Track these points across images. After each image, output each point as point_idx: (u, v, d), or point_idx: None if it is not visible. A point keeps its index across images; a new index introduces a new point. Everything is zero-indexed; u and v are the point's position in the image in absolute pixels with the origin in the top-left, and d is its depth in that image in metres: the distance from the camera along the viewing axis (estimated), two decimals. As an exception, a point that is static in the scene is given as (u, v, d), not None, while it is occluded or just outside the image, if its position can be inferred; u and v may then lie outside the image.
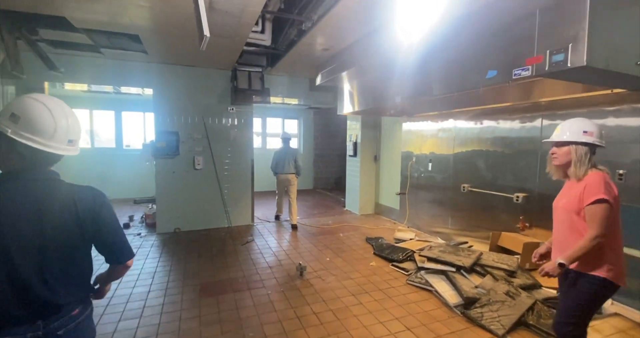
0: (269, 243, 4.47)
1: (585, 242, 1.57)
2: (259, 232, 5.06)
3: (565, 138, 1.70)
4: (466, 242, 3.97)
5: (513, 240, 3.42)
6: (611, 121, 2.81)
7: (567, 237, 1.70)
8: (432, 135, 4.88)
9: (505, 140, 3.76)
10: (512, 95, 3.48)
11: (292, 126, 9.65)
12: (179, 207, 4.99)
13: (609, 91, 2.75)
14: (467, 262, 3.11)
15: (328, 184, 9.98)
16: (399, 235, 4.84)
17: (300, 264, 3.37)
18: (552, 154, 1.77)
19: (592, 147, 1.66)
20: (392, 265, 3.68)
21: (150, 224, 5.21)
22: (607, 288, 1.65)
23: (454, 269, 3.10)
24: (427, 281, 3.13)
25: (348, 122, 6.61)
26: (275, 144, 9.64)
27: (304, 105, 8.01)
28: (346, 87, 4.90)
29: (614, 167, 2.70)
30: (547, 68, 2.04)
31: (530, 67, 2.16)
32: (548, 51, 2.03)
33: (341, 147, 10.04)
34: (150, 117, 7.23)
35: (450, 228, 4.55)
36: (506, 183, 3.74)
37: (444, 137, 4.66)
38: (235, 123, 5.27)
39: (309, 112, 9.51)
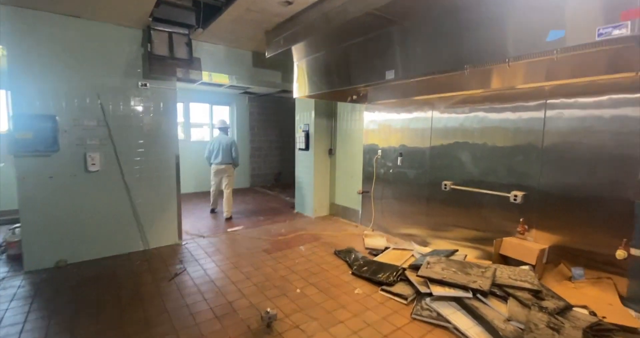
0: (208, 272, 3.24)
1: None
2: (191, 254, 3.75)
3: None
4: (456, 250, 3.41)
5: (517, 247, 2.95)
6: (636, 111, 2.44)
7: None
8: (402, 125, 4.22)
9: (497, 130, 3.26)
10: (506, 78, 2.97)
11: (223, 114, 8.16)
12: (62, 229, 3.35)
13: (633, 74, 2.36)
14: (484, 283, 2.48)
15: (267, 181, 8.83)
16: (370, 242, 4.10)
17: (267, 312, 2.29)
18: None
19: None
20: (382, 290, 2.88)
21: (13, 257, 3.43)
22: None
23: (469, 294, 2.44)
24: (439, 314, 2.41)
25: (297, 109, 5.58)
26: (200, 136, 8.03)
27: (238, 87, 6.68)
28: (307, 61, 3.86)
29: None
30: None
31: (627, 23, 1.50)
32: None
33: (280, 139, 8.97)
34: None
35: (426, 230, 3.99)
36: (499, 181, 3.26)
37: (418, 128, 4.03)
38: (151, 106, 3.78)
39: (243, 98, 8.15)
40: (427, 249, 3.78)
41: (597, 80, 2.57)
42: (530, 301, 2.31)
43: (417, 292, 2.72)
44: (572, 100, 2.75)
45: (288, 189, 8.04)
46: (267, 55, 3.73)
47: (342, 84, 3.39)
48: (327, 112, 5.33)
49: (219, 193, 5.51)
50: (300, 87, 4.04)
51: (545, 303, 2.31)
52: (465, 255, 3.36)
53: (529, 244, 2.90)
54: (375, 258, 3.49)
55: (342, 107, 5.19)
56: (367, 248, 3.94)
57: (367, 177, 4.80)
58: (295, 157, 5.72)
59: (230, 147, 5.29)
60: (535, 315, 2.17)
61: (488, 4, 2.11)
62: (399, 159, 4.28)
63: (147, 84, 3.69)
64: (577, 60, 2.25)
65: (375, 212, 4.67)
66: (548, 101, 2.89)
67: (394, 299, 2.74)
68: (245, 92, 7.73)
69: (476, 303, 2.39)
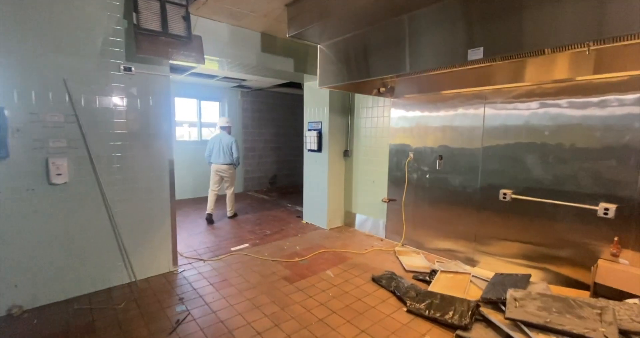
0: (220, 316, 2.46)
1: None
2: (193, 286, 2.94)
3: None
4: (529, 275, 2.80)
5: (620, 274, 2.37)
6: None
7: None
8: (443, 123, 3.59)
9: (578, 129, 2.68)
10: (588, 65, 2.40)
11: (212, 110, 7.26)
12: (16, 262, 2.45)
13: None
14: (610, 332, 1.86)
15: (262, 185, 8.01)
16: (409, 263, 3.44)
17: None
18: None
19: None
20: (457, 336, 2.22)
21: (-55, 303, 2.49)
22: None
23: (593, 349, 1.82)
24: (558, 378, 1.77)
25: (307, 104, 4.84)
26: (187, 135, 7.11)
27: (232, 80, 5.86)
28: (336, 44, 3.13)
29: None
30: None
31: None
32: None
33: (276, 139, 8.19)
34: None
35: (472, 245, 3.37)
36: (581, 190, 2.68)
37: (464, 126, 3.40)
38: (138, 97, 2.92)
39: (235, 93, 7.28)
40: (483, 271, 3.17)
41: None
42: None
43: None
44: (690, 90, 2.20)
45: (287, 195, 7.28)
46: (288, 34, 2.97)
47: (389, 69, 2.70)
48: (342, 108, 4.62)
49: (217, 195, 5.15)
50: (323, 75, 3.31)
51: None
52: (530, 275, 2.76)
53: (634, 270, 2.33)
54: (430, 288, 2.82)
55: (361, 101, 4.50)
56: (408, 271, 3.28)
57: (394, 183, 4.13)
58: (304, 160, 4.97)
59: (230, 146, 5.01)
60: None
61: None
62: (438, 162, 3.64)
63: (132, 68, 2.83)
64: None
65: (406, 224, 4.02)
66: (654, 92, 2.32)
67: (479, 351, 2.08)
68: (239, 86, 6.88)
69: (606, 363, 1.77)
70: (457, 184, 3.49)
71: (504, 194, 3.09)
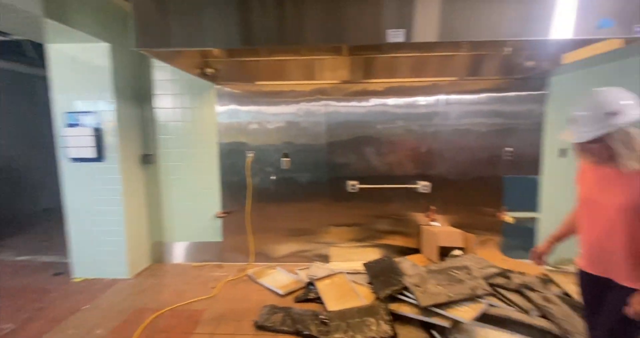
0: None
1: None
2: None
3: (586, 136, 1.25)
4: (391, 257, 3.05)
5: (444, 234, 3.02)
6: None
7: (611, 241, 1.31)
8: (285, 118, 3.21)
9: (400, 123, 3.18)
10: (407, 69, 2.96)
11: None
12: None
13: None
14: (482, 284, 2.30)
15: None
16: (277, 283, 2.89)
17: None
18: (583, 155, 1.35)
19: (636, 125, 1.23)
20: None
21: None
22: None
23: (487, 303, 2.19)
24: (485, 342, 1.98)
25: (59, 88, 2.85)
26: None
27: None
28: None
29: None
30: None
31: None
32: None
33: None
34: None
35: (327, 243, 3.34)
36: (407, 173, 3.23)
37: (309, 121, 3.21)
38: None
39: None
40: (343, 264, 3.17)
41: (480, 79, 3.05)
42: (515, 286, 2.41)
43: (426, 326, 2.14)
44: (460, 96, 3.13)
45: (16, 234, 4.28)
46: None
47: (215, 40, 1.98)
48: (135, 92, 3.12)
49: None
50: (145, 29, 1.99)
51: (516, 280, 2.49)
52: (403, 259, 3.10)
53: (453, 230, 3.09)
54: (329, 308, 2.44)
55: (166, 85, 3.22)
56: (285, 295, 2.72)
57: (230, 191, 3.32)
58: (64, 176, 2.96)
59: None
60: (535, 297, 2.29)
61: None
62: (284, 160, 3.25)
63: None
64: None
65: (253, 236, 3.34)
66: (442, 96, 3.12)
67: (420, 353, 1.99)
68: None
69: (495, 310, 2.19)
70: (306, 181, 3.28)
71: (352, 185, 3.22)
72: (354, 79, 3.09)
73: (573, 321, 2.07)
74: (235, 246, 3.38)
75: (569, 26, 1.87)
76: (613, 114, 1.19)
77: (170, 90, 3.21)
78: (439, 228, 3.14)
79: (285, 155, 3.24)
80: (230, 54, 2.67)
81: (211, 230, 3.38)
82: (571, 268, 2.80)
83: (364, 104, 3.16)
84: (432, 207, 3.24)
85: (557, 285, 2.58)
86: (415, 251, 3.27)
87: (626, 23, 1.84)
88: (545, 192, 3.16)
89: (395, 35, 1.93)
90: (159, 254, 3.43)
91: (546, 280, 2.63)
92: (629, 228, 1.26)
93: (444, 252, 2.97)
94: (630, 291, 1.26)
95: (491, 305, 2.19)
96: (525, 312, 2.19)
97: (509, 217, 3.18)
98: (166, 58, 2.45)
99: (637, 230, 1.25)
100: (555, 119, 3.04)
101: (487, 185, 3.21)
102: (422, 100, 3.14)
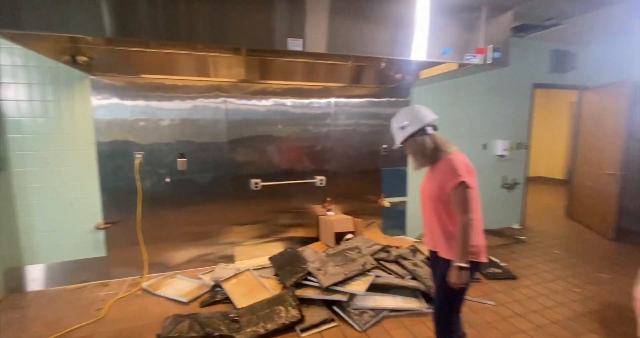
0: None
1: (462, 231, 1.49)
2: None
3: (396, 143, 1.70)
4: (295, 248, 3.25)
5: (338, 222, 3.42)
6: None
7: (432, 223, 1.66)
8: (180, 115, 3.02)
9: (298, 123, 3.41)
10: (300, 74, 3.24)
11: None
12: None
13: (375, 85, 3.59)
14: (370, 260, 2.75)
15: None
16: (177, 292, 2.76)
17: None
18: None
19: (424, 134, 1.59)
20: (303, 331, 2.23)
21: None
22: (475, 268, 1.61)
23: (374, 275, 2.63)
24: (373, 309, 2.39)
25: None
26: None
27: None
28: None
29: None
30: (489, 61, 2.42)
31: (479, 56, 2.40)
32: (491, 46, 2.40)
33: None
34: None
35: (232, 243, 3.34)
36: (305, 170, 3.51)
37: (207, 119, 3.10)
38: None
39: None
40: (249, 261, 3.25)
41: (362, 86, 3.54)
42: (393, 258, 2.96)
43: (328, 304, 2.45)
44: (347, 99, 3.57)
45: None
46: None
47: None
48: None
49: None
50: None
51: (394, 253, 3.06)
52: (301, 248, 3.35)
53: (345, 217, 3.51)
54: (239, 305, 2.48)
55: (16, 73, 2.58)
56: (190, 302, 2.62)
57: (114, 198, 2.93)
58: None
59: None
60: (408, 264, 2.87)
61: None
62: (180, 161, 3.06)
63: None
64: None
65: (146, 247, 3.04)
66: (333, 99, 3.50)
67: (319, 331, 2.26)
68: None
69: (380, 280, 2.65)
70: (207, 182, 3.18)
71: (255, 183, 3.30)
72: (252, 78, 3.15)
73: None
74: (124, 260, 3.01)
75: (423, 51, 2.41)
76: (403, 127, 1.62)
77: (24, 79, 2.60)
78: (333, 217, 3.53)
79: (182, 155, 3.06)
80: (109, 41, 2.36)
81: (91, 245, 2.92)
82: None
83: (264, 103, 3.26)
84: (328, 199, 3.61)
85: (422, 253, 3.28)
86: (316, 240, 3.59)
87: (460, 52, 2.49)
88: (411, 180, 3.92)
89: (295, 44, 2.12)
90: (16, 282, 2.77)
91: (415, 250, 3.31)
92: (437, 212, 1.61)
93: (339, 237, 3.37)
94: (449, 262, 1.56)
95: (377, 276, 2.65)
96: (402, 277, 2.73)
97: (386, 202, 3.82)
98: (20, 40, 2.00)
99: (442, 213, 1.59)
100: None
101: (370, 176, 3.78)
102: (316, 102, 3.44)
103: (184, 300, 2.62)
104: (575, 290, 2.81)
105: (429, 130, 1.61)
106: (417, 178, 3.87)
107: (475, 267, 1.59)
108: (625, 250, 3.69)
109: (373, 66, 3.22)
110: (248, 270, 2.98)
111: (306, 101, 3.41)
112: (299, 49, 2.13)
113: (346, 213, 3.67)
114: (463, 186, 1.50)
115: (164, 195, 3.05)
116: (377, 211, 3.87)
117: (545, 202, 5.88)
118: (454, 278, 1.53)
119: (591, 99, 4.53)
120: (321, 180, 3.53)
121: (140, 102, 2.89)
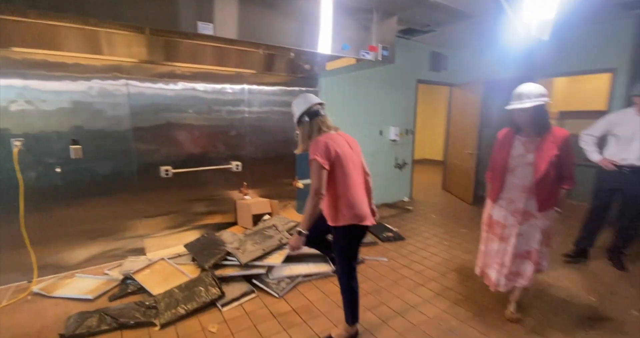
0: None
1: (307, 202, 1.73)
2: None
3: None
4: (213, 232, 3.27)
5: (256, 205, 3.57)
6: (290, 97, 3.93)
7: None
8: (72, 97, 2.68)
9: (211, 108, 3.38)
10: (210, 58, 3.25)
11: None
12: None
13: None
14: (285, 235, 3.02)
15: None
16: (80, 290, 2.57)
17: None
18: None
19: (309, 118, 1.86)
20: (224, 306, 2.36)
21: None
22: (354, 231, 1.80)
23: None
24: (289, 277, 2.67)
25: None
26: None
27: None
28: None
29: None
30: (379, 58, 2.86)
31: (372, 53, 2.80)
32: (381, 45, 2.84)
33: None
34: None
35: (140, 236, 3.18)
36: (221, 155, 3.52)
37: (106, 102, 2.83)
38: None
39: None
40: (161, 252, 3.16)
41: (274, 74, 3.70)
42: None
43: (249, 279, 2.64)
44: (261, 87, 3.68)
45: None
46: None
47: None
48: None
49: None
50: None
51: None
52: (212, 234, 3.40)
53: (263, 200, 3.68)
54: (155, 293, 2.45)
55: None
56: (94, 298, 2.46)
57: (-16, 194, 2.47)
58: None
59: None
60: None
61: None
62: (73, 148, 2.75)
63: None
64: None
65: (33, 248, 2.66)
66: (246, 86, 3.58)
67: (240, 304, 2.44)
68: None
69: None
70: (109, 172, 2.93)
71: (166, 171, 3.19)
72: (156, 59, 2.97)
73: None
74: (5, 265, 2.59)
75: (328, 45, 2.71)
76: (293, 113, 1.91)
77: None
78: (251, 201, 3.66)
79: (75, 142, 2.74)
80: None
81: (-47, 251, 2.42)
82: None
83: (172, 87, 3.12)
84: (245, 183, 3.72)
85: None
86: (234, 224, 3.68)
87: (357, 48, 2.87)
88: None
89: (205, 28, 2.14)
90: None
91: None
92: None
93: (256, 219, 3.54)
94: (334, 228, 1.82)
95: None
96: (315, 247, 3.08)
97: (300, 183, 4.13)
98: None
99: (328, 182, 1.74)
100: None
101: (284, 161, 4.01)
102: (229, 87, 3.46)
103: (89, 296, 2.45)
104: (444, 242, 3.62)
105: (313, 114, 1.85)
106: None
107: (362, 229, 1.83)
108: (480, 212, 4.82)
109: (284, 56, 3.41)
110: (162, 259, 2.92)
111: (218, 86, 3.40)
112: (210, 32, 2.17)
113: (263, 196, 3.84)
114: (314, 163, 1.69)
115: (55, 188, 2.70)
116: (292, 193, 4.15)
117: (427, 179, 7.10)
118: (292, 241, 1.80)
119: (458, 94, 5.65)
120: (237, 165, 3.61)
121: (16, 81, 2.46)
